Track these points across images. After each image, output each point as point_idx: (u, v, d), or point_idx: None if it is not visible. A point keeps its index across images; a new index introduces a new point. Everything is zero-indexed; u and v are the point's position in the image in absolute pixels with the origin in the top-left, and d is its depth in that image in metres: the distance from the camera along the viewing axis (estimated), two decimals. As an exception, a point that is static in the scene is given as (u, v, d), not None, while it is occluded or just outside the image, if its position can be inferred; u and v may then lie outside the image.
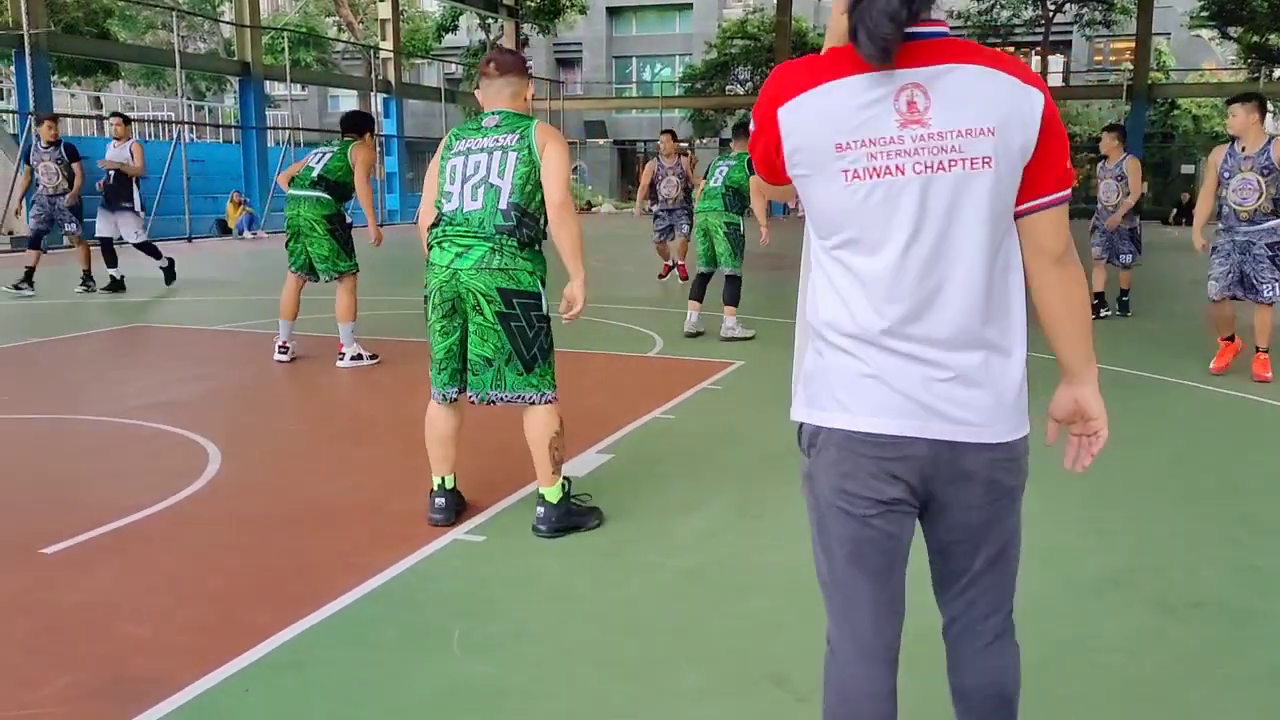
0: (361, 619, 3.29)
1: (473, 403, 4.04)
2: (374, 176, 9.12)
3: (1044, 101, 1.70)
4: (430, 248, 3.92)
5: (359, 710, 2.75)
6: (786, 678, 2.91)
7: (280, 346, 7.47)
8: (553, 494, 4.03)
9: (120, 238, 11.77)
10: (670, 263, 13.14)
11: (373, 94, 28.78)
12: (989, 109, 1.66)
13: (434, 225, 3.92)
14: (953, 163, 1.66)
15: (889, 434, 1.73)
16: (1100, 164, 10.26)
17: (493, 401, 3.96)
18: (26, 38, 18.10)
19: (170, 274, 12.17)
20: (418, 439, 4.45)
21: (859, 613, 1.84)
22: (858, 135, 1.66)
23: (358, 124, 7.53)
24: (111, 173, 11.38)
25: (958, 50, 1.69)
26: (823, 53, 1.77)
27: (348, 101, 40.66)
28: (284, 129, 30.26)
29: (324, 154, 7.38)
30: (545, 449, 3.99)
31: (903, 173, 1.66)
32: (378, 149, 28.53)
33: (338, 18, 39.74)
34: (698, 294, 8.87)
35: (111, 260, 11.68)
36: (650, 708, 2.78)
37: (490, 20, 35.92)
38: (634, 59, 48.78)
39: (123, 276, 11.81)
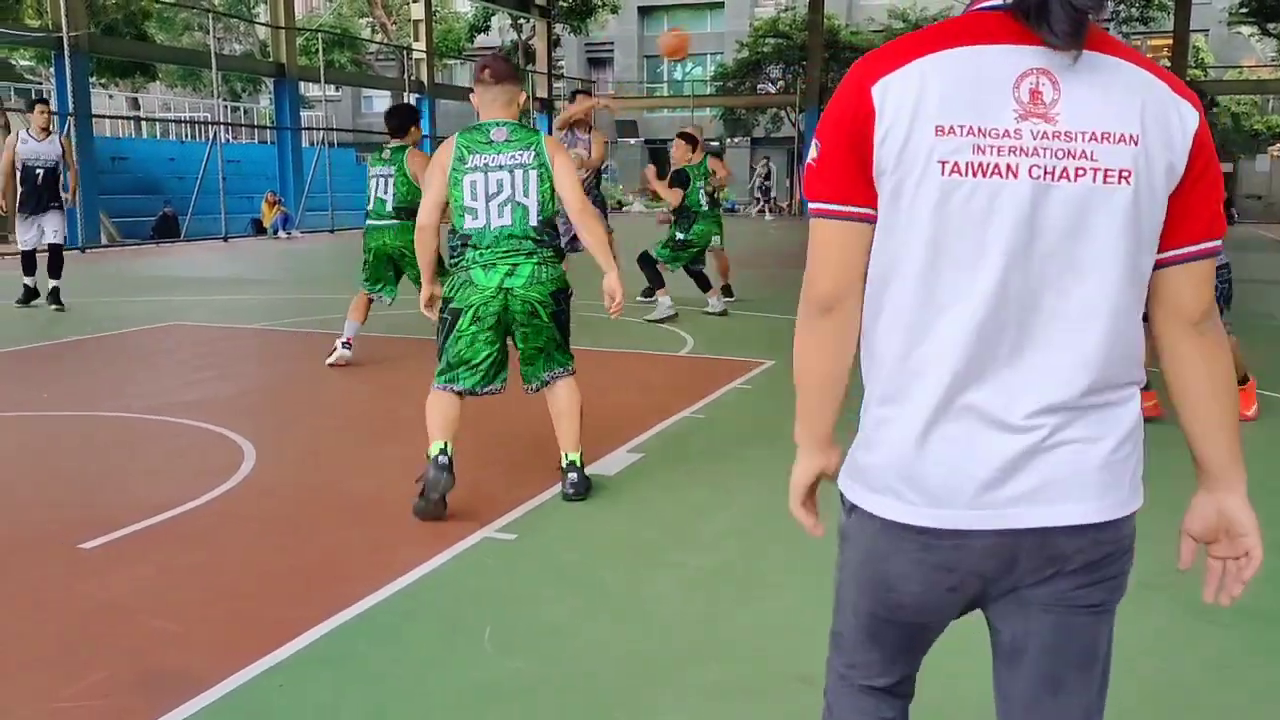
0: (393, 616, 3.31)
1: (531, 392, 4.39)
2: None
3: (1199, 122, 1.38)
4: (464, 268, 4.16)
5: (390, 706, 2.77)
6: (815, 677, 2.90)
7: (345, 342, 7.30)
8: (580, 459, 4.38)
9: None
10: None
11: (405, 94, 28.95)
12: (1132, 112, 1.34)
13: (459, 243, 4.19)
14: (1080, 171, 1.33)
15: (951, 528, 1.40)
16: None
17: (546, 383, 4.35)
18: (66, 39, 18.35)
19: (32, 295, 10.39)
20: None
21: (867, 670, 1.59)
22: (963, 119, 1.33)
23: (403, 122, 7.27)
24: (41, 172, 10.07)
25: (1098, 38, 1.37)
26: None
27: (381, 102, 40.92)
28: (318, 129, 30.49)
29: (387, 180, 7.11)
30: (578, 415, 4.36)
31: (1015, 175, 1.33)
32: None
33: (371, 19, 40.01)
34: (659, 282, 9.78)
35: (31, 267, 10.42)
36: (678, 705, 2.78)
37: (523, 20, 36.03)
38: (664, 57, 48.73)
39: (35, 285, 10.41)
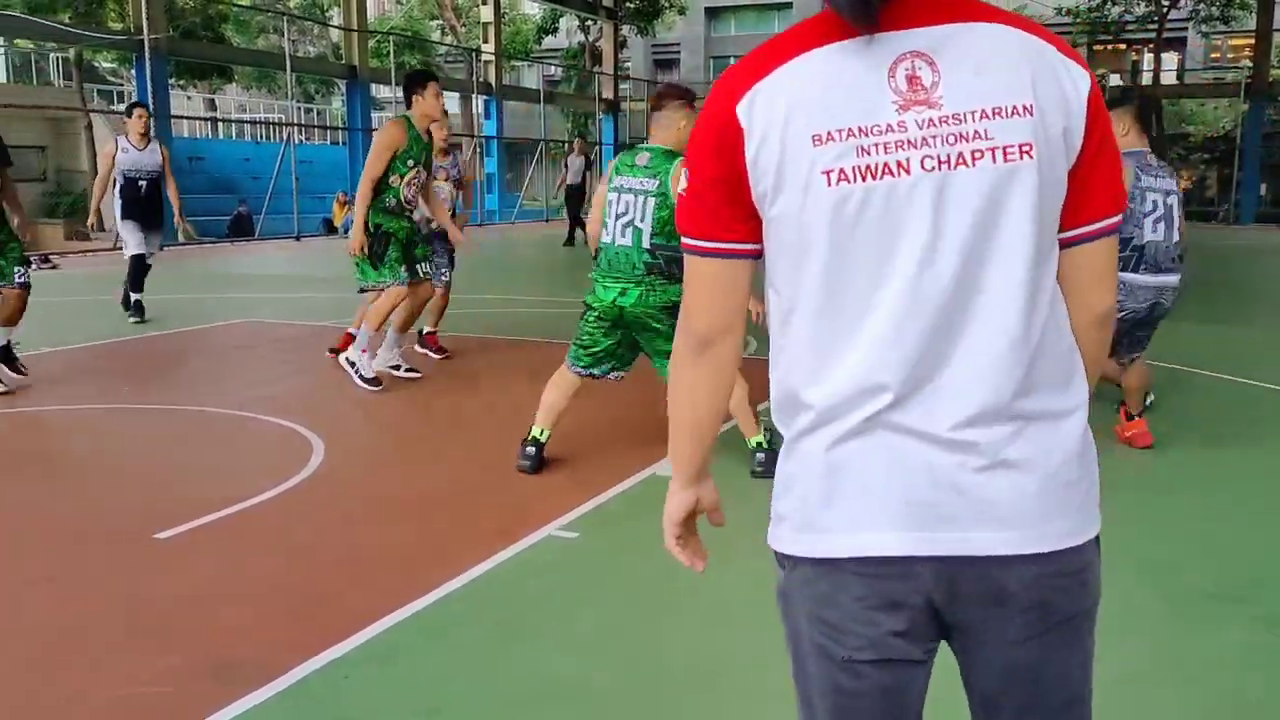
0: (456, 612, 3.35)
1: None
2: (470, 177, 8.56)
3: (1090, 84, 1.26)
4: (594, 274, 4.63)
5: (451, 702, 2.79)
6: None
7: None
8: (761, 441, 4.73)
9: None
10: None
11: (474, 96, 29.23)
12: (1022, 80, 1.22)
13: (599, 252, 4.64)
14: (977, 154, 1.21)
15: (880, 555, 1.26)
16: None
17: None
18: (147, 42, 18.85)
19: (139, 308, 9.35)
20: (513, 435, 4.51)
21: None
22: (840, 122, 1.21)
23: (410, 83, 6.50)
24: (144, 184, 9.21)
25: (968, 6, 1.25)
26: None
27: (449, 104, 41.32)
28: (388, 130, 30.88)
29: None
30: (743, 405, 4.60)
31: (907, 171, 1.21)
32: (477, 152, 28.63)
33: (441, 21, 40.44)
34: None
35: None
36: (740, 709, 2.77)
37: (590, 22, 36.18)
38: (732, 59, 48.49)
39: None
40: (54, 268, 14.72)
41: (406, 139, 6.25)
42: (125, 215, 9.24)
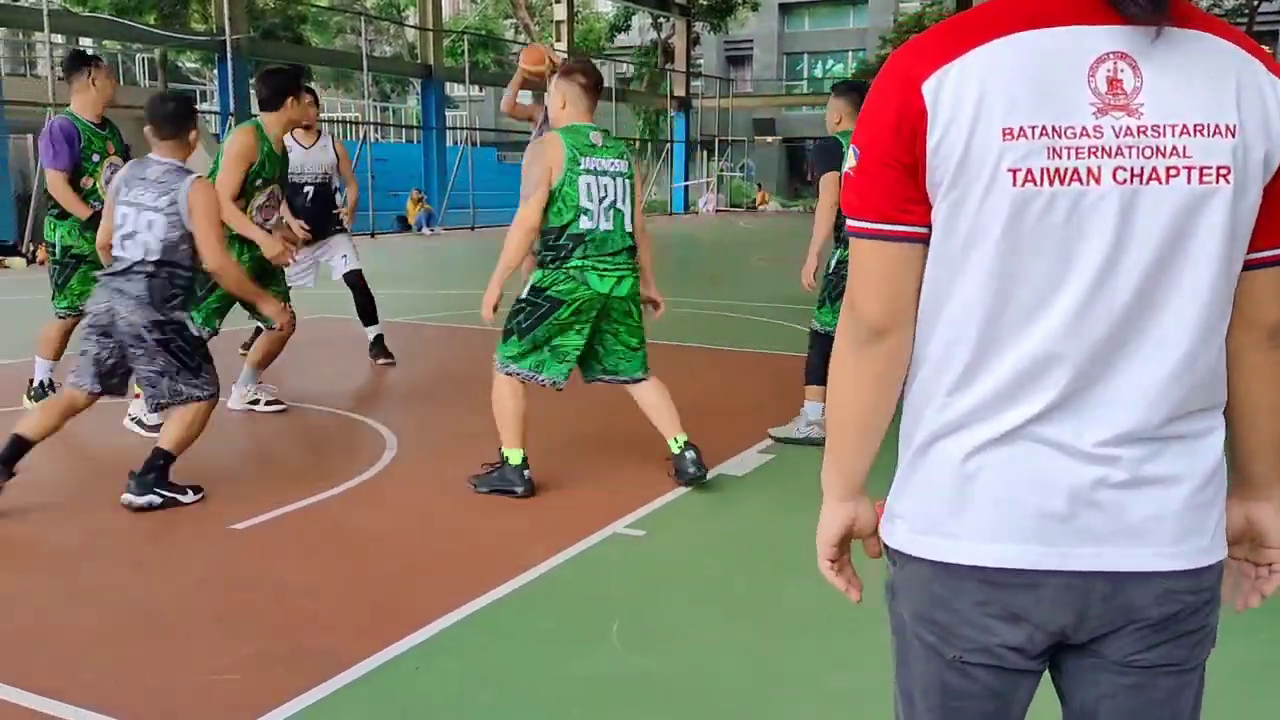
0: (523, 607, 3.37)
1: (612, 384, 4.58)
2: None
3: None
4: (573, 264, 4.28)
5: (519, 696, 2.82)
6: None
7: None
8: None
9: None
10: None
11: (545, 93, 29.46)
12: (1227, 97, 1.14)
13: (572, 240, 4.28)
14: (1172, 172, 1.14)
15: (1014, 568, 1.23)
16: None
17: (639, 380, 4.52)
18: (229, 42, 19.31)
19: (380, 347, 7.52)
20: (581, 433, 4.53)
21: None
22: (1034, 118, 1.14)
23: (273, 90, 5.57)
24: (310, 189, 7.11)
25: (1181, 7, 1.16)
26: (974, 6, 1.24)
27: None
28: (462, 129, 31.26)
29: None
30: (671, 402, 4.50)
31: (1097, 180, 1.14)
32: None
33: (515, 19, 40.77)
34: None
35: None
36: (804, 711, 2.76)
37: (663, 19, 36.18)
38: (805, 55, 48.28)
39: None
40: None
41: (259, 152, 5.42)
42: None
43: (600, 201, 4.30)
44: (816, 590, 3.50)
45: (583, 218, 4.27)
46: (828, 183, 4.98)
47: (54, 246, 5.60)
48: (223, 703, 2.73)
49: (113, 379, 4.24)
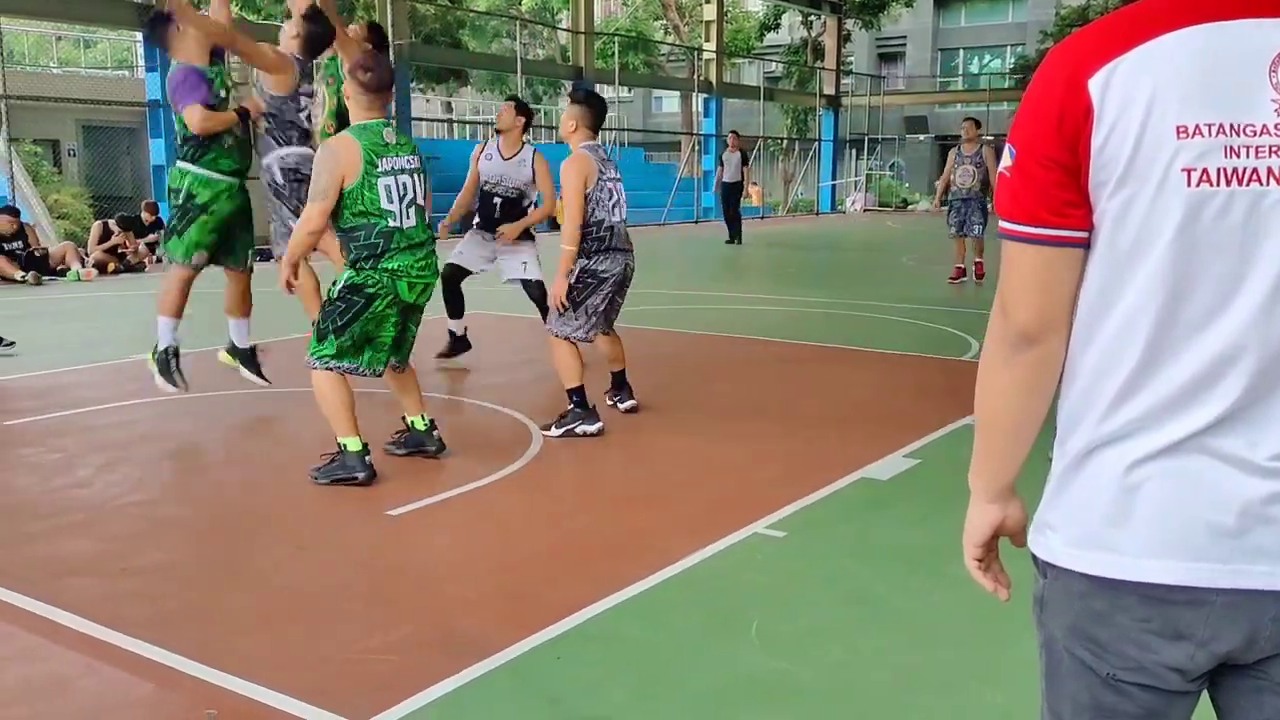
0: (664, 601, 3.42)
1: (396, 370, 4.80)
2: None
3: None
4: (386, 266, 4.42)
5: (657, 689, 2.86)
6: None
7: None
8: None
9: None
10: (960, 264, 12.14)
11: (695, 94, 29.51)
12: None
13: (382, 239, 4.40)
14: None
15: (1181, 584, 1.17)
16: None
17: (407, 363, 4.83)
18: (392, 48, 20.05)
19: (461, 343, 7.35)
20: (724, 431, 4.54)
21: None
22: (1211, 115, 1.09)
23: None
24: (499, 201, 7.11)
25: None
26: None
27: (670, 102, 41.95)
28: (612, 130, 31.65)
29: None
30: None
31: (1278, 181, 1.09)
32: (696, 149, 28.74)
33: (665, 21, 41.01)
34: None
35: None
36: (947, 722, 2.71)
37: (813, 17, 35.80)
38: (961, 51, 47.02)
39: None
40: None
41: None
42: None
43: (401, 200, 4.45)
44: (960, 599, 3.45)
45: (388, 219, 4.41)
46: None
47: (177, 192, 5.67)
48: (374, 682, 2.86)
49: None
